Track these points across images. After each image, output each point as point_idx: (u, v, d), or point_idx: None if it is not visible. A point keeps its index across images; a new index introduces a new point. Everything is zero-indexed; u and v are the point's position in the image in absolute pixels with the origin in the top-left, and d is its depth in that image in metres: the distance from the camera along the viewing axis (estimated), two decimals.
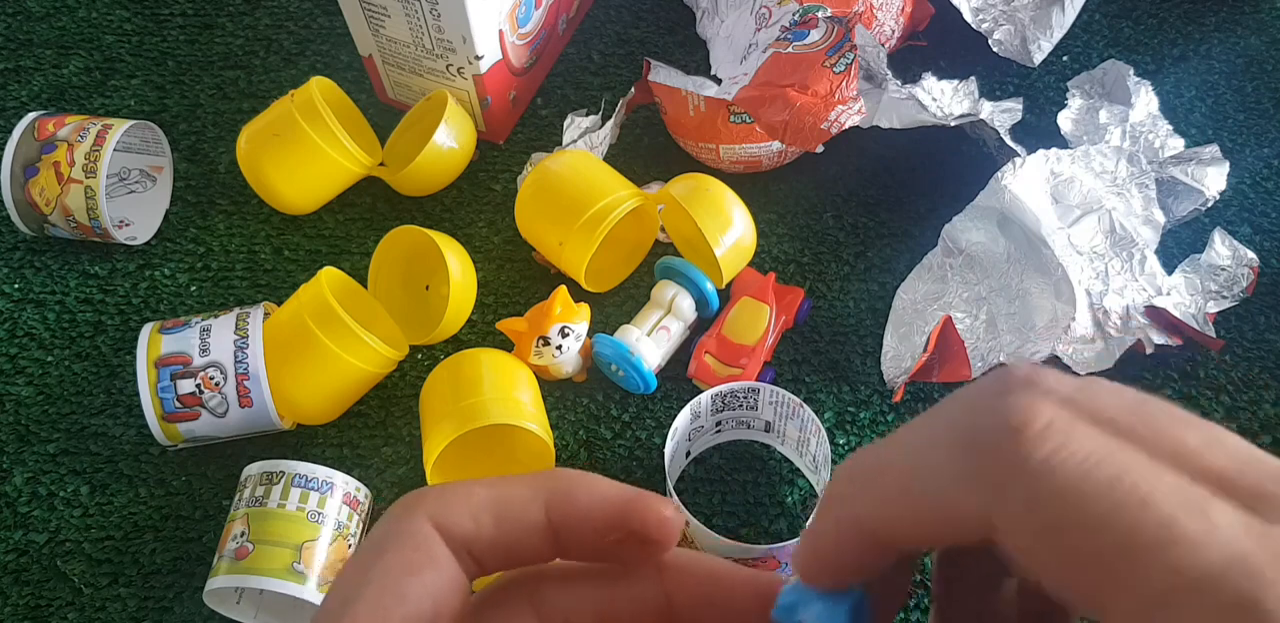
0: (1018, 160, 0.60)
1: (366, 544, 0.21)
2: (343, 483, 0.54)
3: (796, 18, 0.68)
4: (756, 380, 0.60)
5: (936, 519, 0.18)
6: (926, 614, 0.55)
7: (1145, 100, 0.67)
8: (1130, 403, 0.17)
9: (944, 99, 0.65)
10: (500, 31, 0.65)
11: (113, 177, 0.69)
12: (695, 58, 0.77)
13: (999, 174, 0.60)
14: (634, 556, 0.22)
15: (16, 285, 0.67)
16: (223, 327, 0.57)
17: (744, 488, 0.59)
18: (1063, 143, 0.66)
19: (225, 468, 0.59)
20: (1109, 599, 0.15)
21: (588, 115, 0.68)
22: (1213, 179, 0.64)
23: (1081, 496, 0.15)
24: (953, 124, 0.63)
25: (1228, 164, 0.65)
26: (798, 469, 0.60)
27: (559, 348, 0.59)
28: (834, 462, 0.59)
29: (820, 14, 0.67)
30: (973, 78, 0.66)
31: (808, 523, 0.56)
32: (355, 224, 0.69)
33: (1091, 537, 0.15)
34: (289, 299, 0.59)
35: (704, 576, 0.22)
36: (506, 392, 0.56)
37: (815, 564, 0.20)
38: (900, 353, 0.62)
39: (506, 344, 0.61)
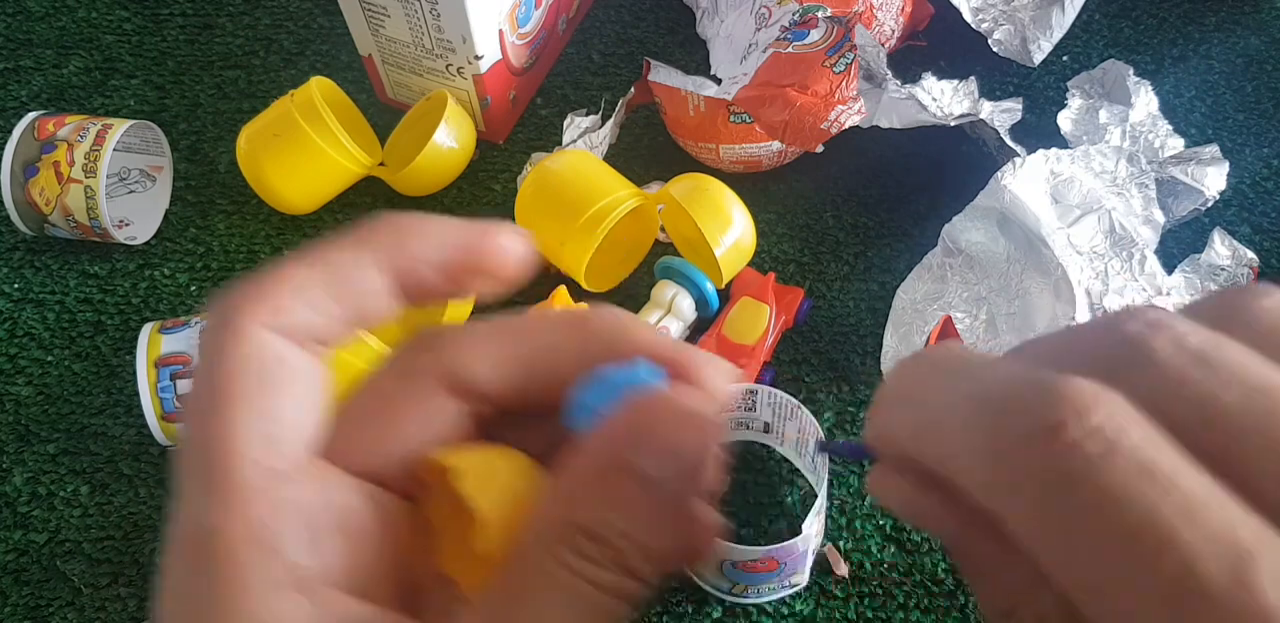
0: (1018, 160, 0.60)
1: (206, 377, 0.19)
2: None
3: (796, 17, 0.68)
4: (756, 381, 0.60)
5: (955, 481, 0.16)
6: (926, 614, 0.55)
7: (1145, 100, 0.67)
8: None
9: (944, 99, 0.65)
10: (500, 31, 0.65)
11: (113, 176, 0.69)
12: (695, 58, 0.77)
13: (999, 174, 0.60)
14: (478, 289, 0.21)
15: (16, 285, 0.67)
16: None
17: (743, 488, 0.59)
18: (1063, 143, 0.66)
19: None
20: (1111, 605, 0.14)
21: (588, 115, 0.68)
22: (1213, 179, 0.64)
23: (1108, 515, 0.14)
24: (953, 124, 0.63)
25: (1228, 164, 0.65)
26: (797, 470, 0.60)
27: None
28: (832, 462, 0.60)
29: (820, 14, 0.67)
30: (973, 78, 0.66)
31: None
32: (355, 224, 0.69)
33: (1103, 552, 0.14)
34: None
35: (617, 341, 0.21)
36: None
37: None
38: (900, 353, 0.62)
39: None
